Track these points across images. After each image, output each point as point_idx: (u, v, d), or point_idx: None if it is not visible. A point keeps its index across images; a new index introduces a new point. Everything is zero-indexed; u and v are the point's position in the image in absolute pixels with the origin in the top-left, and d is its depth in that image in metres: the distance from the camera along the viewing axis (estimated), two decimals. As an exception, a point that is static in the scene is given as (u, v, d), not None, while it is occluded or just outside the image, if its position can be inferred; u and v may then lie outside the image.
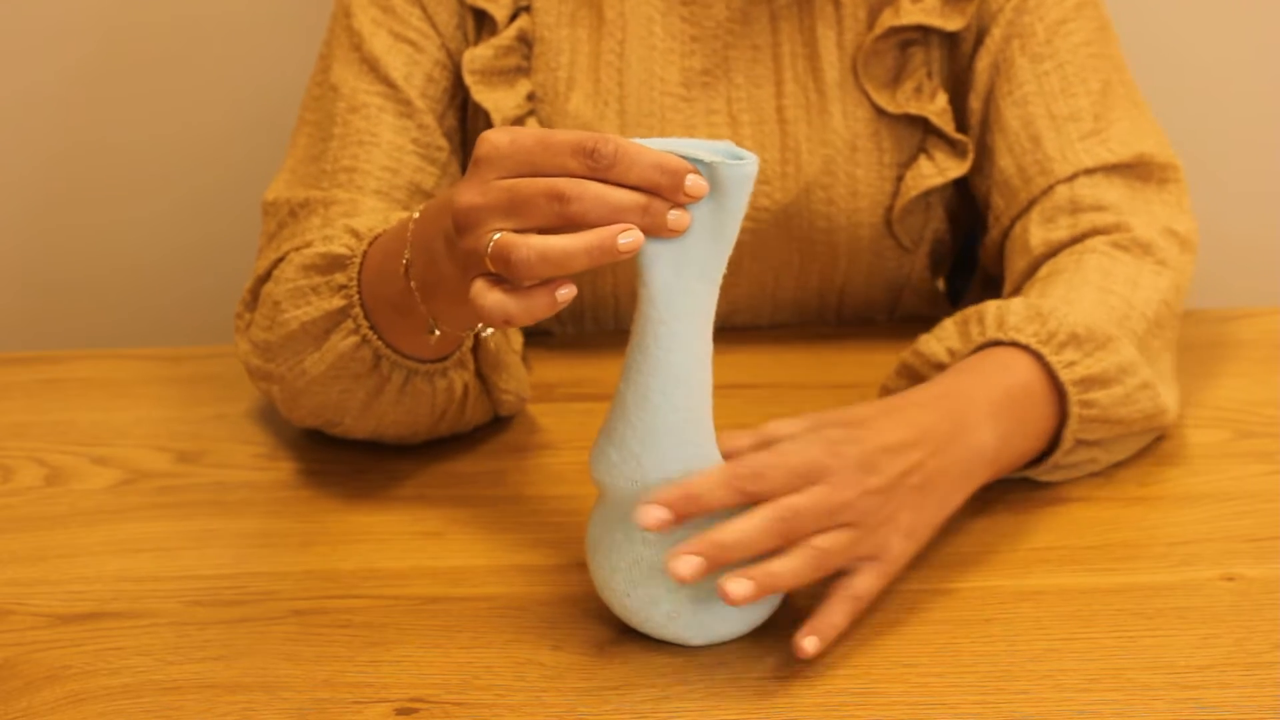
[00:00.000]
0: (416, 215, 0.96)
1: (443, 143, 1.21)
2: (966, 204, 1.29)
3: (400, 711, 0.86)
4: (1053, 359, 1.03)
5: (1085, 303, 1.08)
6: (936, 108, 1.23)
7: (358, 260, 1.02)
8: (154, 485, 1.11)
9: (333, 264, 1.03)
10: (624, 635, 0.92)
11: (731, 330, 1.27)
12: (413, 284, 0.95)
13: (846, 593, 0.90)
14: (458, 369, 1.07)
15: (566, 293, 0.84)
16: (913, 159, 1.24)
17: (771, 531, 0.87)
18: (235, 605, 0.96)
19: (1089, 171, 1.18)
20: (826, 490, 0.89)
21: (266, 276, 1.13)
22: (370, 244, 1.02)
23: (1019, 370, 1.02)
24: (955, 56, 1.24)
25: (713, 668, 0.89)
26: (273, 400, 1.13)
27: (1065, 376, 1.02)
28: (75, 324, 1.71)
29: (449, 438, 1.14)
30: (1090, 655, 0.89)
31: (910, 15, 1.21)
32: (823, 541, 0.88)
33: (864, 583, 0.91)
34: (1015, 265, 1.19)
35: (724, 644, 0.91)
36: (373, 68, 1.21)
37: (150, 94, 1.64)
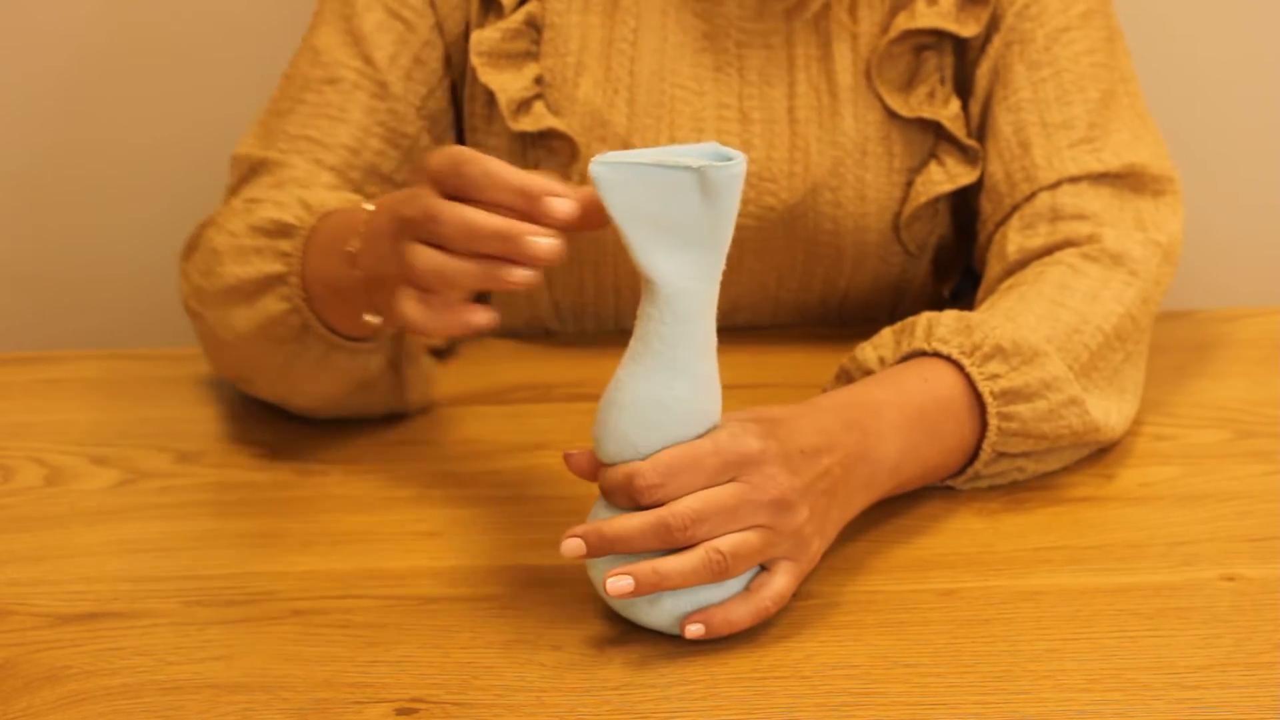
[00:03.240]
0: (372, 207, 0.99)
1: (411, 129, 1.22)
2: (973, 211, 1.29)
3: (400, 711, 0.86)
4: (974, 371, 1.02)
5: (1028, 317, 1.07)
6: (950, 113, 1.23)
7: (304, 232, 1.06)
8: (154, 485, 1.11)
9: (280, 230, 1.07)
10: (624, 635, 0.92)
11: (732, 330, 1.27)
12: (359, 273, 0.99)
13: (760, 593, 0.91)
14: (377, 352, 1.10)
15: (484, 319, 0.89)
16: (923, 164, 1.24)
17: (655, 534, 0.88)
18: (235, 605, 0.96)
19: (1074, 180, 1.18)
20: (742, 489, 0.89)
21: (211, 222, 1.16)
22: (321, 219, 1.06)
23: (939, 382, 1.02)
24: (963, 64, 1.24)
25: (713, 667, 0.89)
26: (201, 341, 1.16)
27: (985, 389, 1.02)
28: (75, 324, 1.71)
29: (448, 437, 1.14)
30: (1090, 655, 0.89)
31: (925, 19, 1.21)
32: (726, 544, 0.89)
33: (779, 584, 0.91)
34: (991, 271, 1.19)
35: (720, 641, 0.90)
36: (357, 41, 1.22)
37: (151, 94, 1.64)
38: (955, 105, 1.23)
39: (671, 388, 0.88)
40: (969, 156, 1.23)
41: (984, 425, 1.03)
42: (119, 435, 1.17)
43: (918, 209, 1.24)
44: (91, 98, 1.64)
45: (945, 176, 1.23)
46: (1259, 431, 1.14)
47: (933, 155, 1.24)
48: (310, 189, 1.13)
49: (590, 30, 1.23)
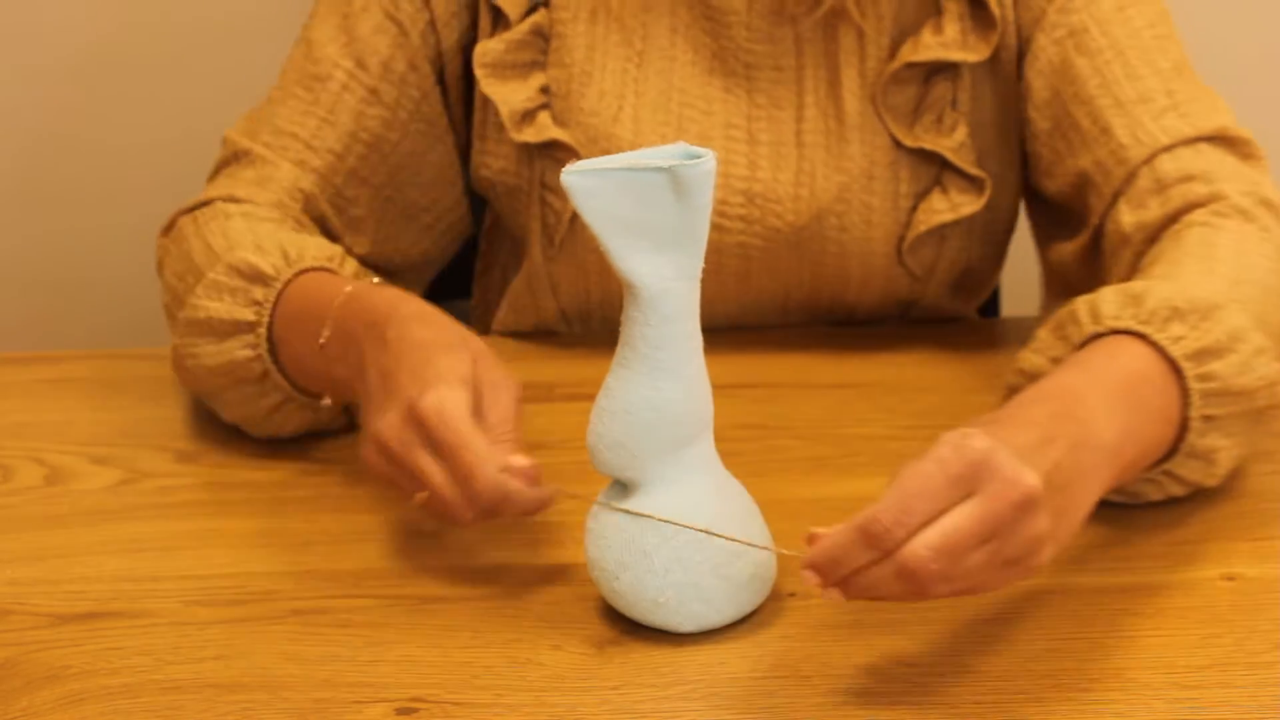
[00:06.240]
0: (341, 300, 1.05)
1: (395, 135, 1.23)
2: (1006, 231, 1.27)
3: (400, 711, 0.86)
4: (1159, 336, 0.97)
5: (1186, 275, 1.03)
6: (953, 143, 1.21)
7: (279, 284, 1.10)
8: (154, 485, 1.11)
9: (256, 277, 1.10)
10: (624, 635, 0.92)
11: (736, 330, 1.27)
12: (323, 364, 1.05)
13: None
14: (334, 406, 1.13)
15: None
16: (928, 191, 1.23)
17: (901, 582, 0.82)
18: (235, 605, 0.96)
19: (1168, 149, 1.15)
20: (982, 506, 0.82)
21: (190, 210, 1.20)
22: (297, 275, 1.10)
23: (1128, 356, 0.96)
24: (997, 78, 1.22)
25: (712, 667, 0.89)
26: (173, 352, 1.17)
27: (1175, 352, 0.97)
28: (75, 324, 1.71)
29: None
30: (1090, 655, 0.89)
31: (929, 51, 1.19)
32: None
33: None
34: (1119, 259, 1.14)
35: (718, 638, 0.90)
36: (351, 41, 1.23)
37: (152, 94, 1.64)
38: (962, 133, 1.21)
39: (661, 390, 0.89)
40: (975, 185, 1.21)
41: (1184, 391, 0.97)
42: (119, 435, 1.17)
43: (920, 237, 1.23)
44: (93, 98, 1.64)
45: (947, 205, 1.21)
46: (1259, 431, 1.14)
47: (937, 183, 1.22)
48: (295, 240, 1.14)
49: (597, 40, 1.22)
